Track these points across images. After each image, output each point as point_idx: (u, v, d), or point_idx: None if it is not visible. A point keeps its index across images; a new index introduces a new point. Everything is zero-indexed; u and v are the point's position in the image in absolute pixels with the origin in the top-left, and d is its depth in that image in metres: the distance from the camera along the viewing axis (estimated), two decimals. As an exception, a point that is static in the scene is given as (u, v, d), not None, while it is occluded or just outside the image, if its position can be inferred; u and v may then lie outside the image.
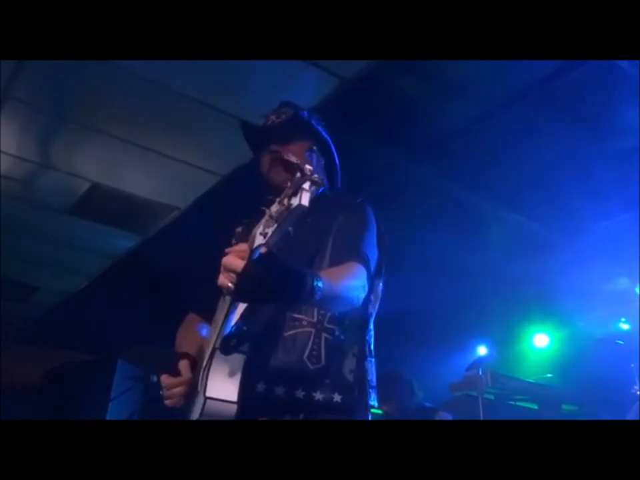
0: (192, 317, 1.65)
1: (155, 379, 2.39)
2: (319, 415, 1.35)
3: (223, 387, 1.24)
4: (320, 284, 1.15)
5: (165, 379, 1.38)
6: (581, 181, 3.62)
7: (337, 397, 1.36)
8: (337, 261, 1.40)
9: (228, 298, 1.27)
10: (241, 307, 1.30)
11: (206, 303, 1.45)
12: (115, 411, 4.70)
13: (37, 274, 5.17)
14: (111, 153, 3.57)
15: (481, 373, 3.68)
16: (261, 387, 1.36)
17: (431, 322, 4.91)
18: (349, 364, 1.41)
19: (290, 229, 1.17)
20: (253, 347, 1.32)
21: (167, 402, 1.37)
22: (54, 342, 6.21)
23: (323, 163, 1.69)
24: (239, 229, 1.45)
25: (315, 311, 1.42)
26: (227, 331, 1.27)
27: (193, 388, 1.31)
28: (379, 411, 3.45)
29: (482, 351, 5.03)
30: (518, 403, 4.32)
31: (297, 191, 1.11)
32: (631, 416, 3.14)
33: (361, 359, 1.45)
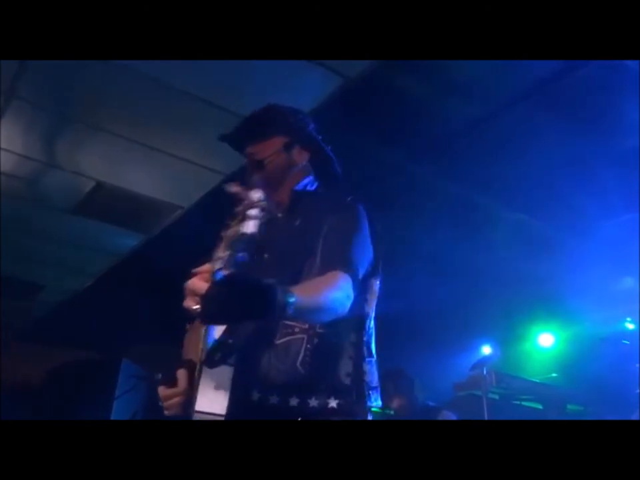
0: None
1: (160, 377, 2.39)
2: (314, 418, 1.35)
3: (212, 400, 1.25)
4: (292, 299, 1.14)
5: (161, 391, 1.37)
6: (585, 181, 3.61)
7: (333, 402, 1.35)
8: (324, 267, 1.37)
9: None
10: None
11: None
12: (119, 409, 4.71)
13: (41, 273, 5.19)
14: (115, 152, 3.58)
15: (485, 372, 3.67)
16: (255, 395, 1.37)
17: (435, 322, 4.91)
18: (345, 367, 1.40)
19: (241, 254, 1.16)
20: (244, 357, 1.33)
21: (165, 412, 1.37)
22: (58, 341, 6.23)
23: (307, 156, 1.60)
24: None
25: None
26: (210, 344, 1.28)
27: (190, 399, 1.30)
28: (390, 411, 3.45)
29: (486, 350, 5.02)
30: (522, 403, 4.30)
31: (243, 218, 1.12)
32: (637, 416, 3.13)
33: (358, 361, 1.43)
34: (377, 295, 1.54)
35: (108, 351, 5.77)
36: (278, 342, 1.39)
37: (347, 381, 1.38)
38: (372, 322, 1.53)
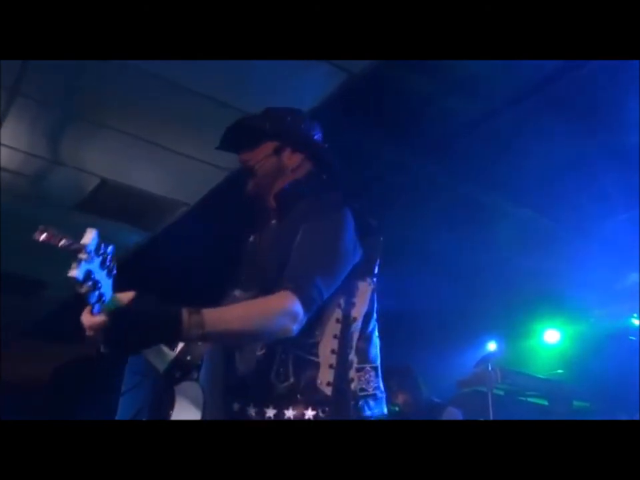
0: None
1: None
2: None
3: (181, 413, 1.31)
4: (194, 319, 1.19)
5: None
6: (589, 178, 3.60)
7: (310, 413, 1.34)
8: (280, 283, 1.34)
9: None
10: None
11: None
12: (125, 406, 4.72)
13: (47, 270, 5.19)
14: (120, 149, 3.58)
15: (490, 368, 3.67)
16: (236, 406, 1.39)
17: (440, 319, 4.90)
18: (325, 377, 1.37)
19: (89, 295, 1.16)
20: (220, 370, 1.38)
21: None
22: (63, 338, 6.25)
23: (298, 158, 1.58)
24: None
25: None
26: (168, 362, 1.36)
27: None
28: (395, 407, 3.44)
29: (491, 347, 5.01)
30: (528, 399, 4.29)
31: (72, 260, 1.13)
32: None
33: (342, 369, 1.39)
34: (368, 297, 1.49)
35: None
36: (256, 354, 1.40)
37: (328, 390, 1.36)
38: (369, 326, 1.48)
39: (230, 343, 1.40)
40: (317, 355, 1.38)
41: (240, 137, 1.58)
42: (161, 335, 1.22)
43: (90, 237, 1.17)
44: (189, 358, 1.37)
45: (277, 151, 1.56)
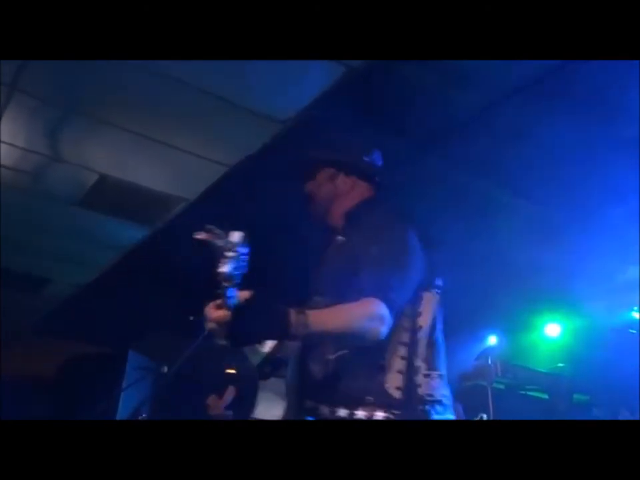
0: None
1: (166, 369, 2.40)
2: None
3: (265, 408, 1.43)
4: (300, 318, 1.31)
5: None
6: (591, 168, 3.59)
7: (380, 415, 1.43)
8: (364, 292, 1.46)
9: None
10: None
11: None
12: (127, 401, 4.74)
13: (47, 266, 5.20)
14: (119, 145, 3.58)
15: (490, 362, 3.67)
16: (308, 404, 1.49)
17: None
18: (394, 381, 1.47)
19: (230, 290, 1.29)
20: (298, 370, 1.51)
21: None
22: (65, 334, 6.26)
23: (352, 181, 1.76)
24: None
25: None
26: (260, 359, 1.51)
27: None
28: None
29: (492, 340, 5.01)
30: (528, 393, 4.30)
31: (219, 260, 1.27)
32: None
33: (410, 375, 1.49)
34: (432, 307, 1.62)
35: (115, 343, 5.79)
36: (329, 357, 1.50)
37: (397, 394, 1.46)
38: (434, 334, 1.60)
39: (328, 342, 1.51)
40: (386, 361, 1.50)
41: (299, 172, 1.81)
42: (271, 332, 1.35)
43: (238, 236, 1.27)
44: (279, 355, 1.49)
45: (332, 177, 1.75)
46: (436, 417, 1.49)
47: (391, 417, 1.43)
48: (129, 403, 4.56)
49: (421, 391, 1.49)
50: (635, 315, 4.41)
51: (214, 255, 1.27)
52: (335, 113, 2.97)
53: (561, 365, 5.30)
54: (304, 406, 1.49)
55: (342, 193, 1.75)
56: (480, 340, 4.93)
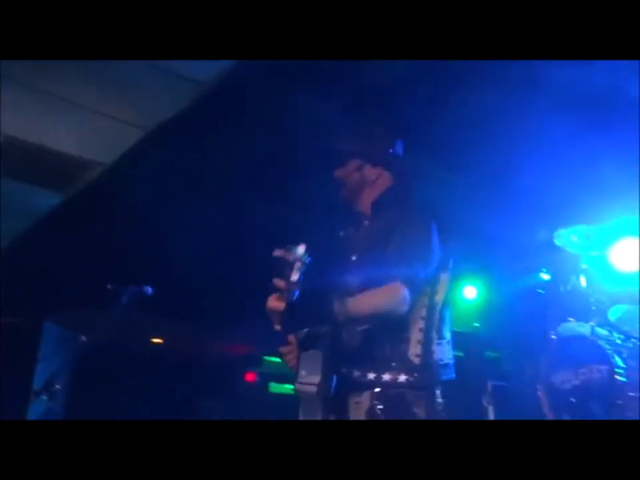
0: None
1: (84, 339, 2.34)
2: (388, 391, 1.74)
3: (307, 374, 1.75)
4: (341, 307, 1.70)
5: (282, 348, 1.95)
6: (509, 134, 3.73)
7: (402, 377, 1.74)
8: (388, 275, 1.77)
9: None
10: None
11: None
12: (42, 372, 4.61)
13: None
14: (31, 105, 3.37)
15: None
16: (343, 370, 1.78)
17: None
18: (414, 350, 1.77)
19: (295, 292, 1.66)
20: (335, 343, 1.78)
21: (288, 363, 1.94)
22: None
23: (379, 171, 1.99)
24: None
25: None
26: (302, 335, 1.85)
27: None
28: None
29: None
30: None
31: (291, 268, 1.65)
32: (547, 359, 3.36)
33: (427, 344, 1.78)
34: (446, 286, 1.88)
35: (30, 314, 5.57)
36: (359, 329, 1.80)
37: (416, 360, 1.76)
38: (445, 308, 1.87)
39: (363, 319, 1.81)
40: (408, 333, 1.79)
41: (331, 160, 2.04)
42: (320, 319, 1.76)
43: (303, 249, 1.65)
44: (316, 332, 1.80)
45: (359, 168, 1.99)
46: (444, 377, 1.79)
47: (411, 379, 1.73)
48: (45, 373, 4.44)
49: (435, 356, 1.79)
50: (544, 276, 4.67)
51: (282, 266, 1.64)
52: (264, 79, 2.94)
53: (476, 325, 5.59)
54: (339, 371, 1.76)
55: (369, 182, 1.98)
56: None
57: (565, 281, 3.71)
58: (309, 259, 1.63)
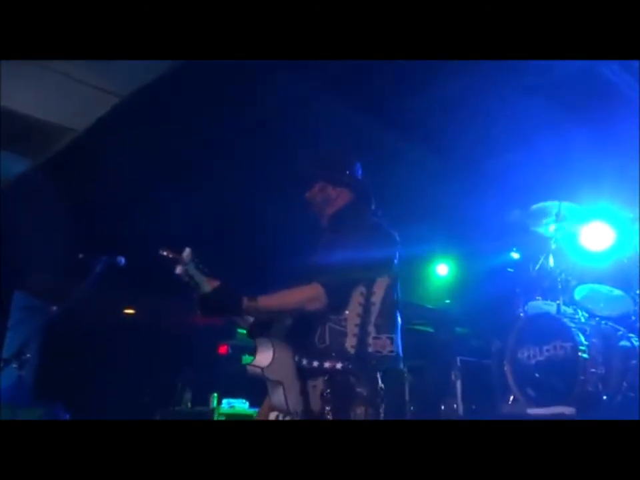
0: None
1: (55, 308, 2.32)
2: (329, 376, 2.02)
3: (258, 357, 2.05)
4: (251, 303, 2.00)
5: None
6: (487, 117, 3.76)
7: (339, 365, 2.01)
8: (315, 277, 2.06)
9: None
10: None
11: None
12: (11, 341, 4.56)
13: None
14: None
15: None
16: (297, 358, 2.09)
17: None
18: (350, 342, 2.03)
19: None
20: (283, 333, 2.11)
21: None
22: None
23: (339, 191, 2.27)
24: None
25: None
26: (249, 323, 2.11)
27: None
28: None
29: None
30: (415, 327, 4.58)
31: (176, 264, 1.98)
32: (513, 337, 3.44)
33: (362, 337, 2.03)
34: (384, 288, 2.10)
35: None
36: (305, 325, 2.09)
37: (352, 351, 2.02)
38: (387, 308, 2.07)
39: (280, 315, 2.14)
40: (345, 327, 2.05)
41: (302, 180, 2.34)
42: (230, 311, 2.07)
43: (187, 252, 1.96)
44: (262, 321, 2.09)
45: (322, 189, 2.27)
46: (381, 366, 2.03)
47: (349, 366, 2.00)
48: (14, 342, 4.39)
49: (371, 349, 2.02)
50: (514, 255, 4.75)
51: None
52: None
53: (447, 301, 5.69)
54: (294, 358, 2.07)
55: (331, 200, 2.26)
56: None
57: (535, 260, 3.79)
58: (197, 257, 1.96)
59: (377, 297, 2.09)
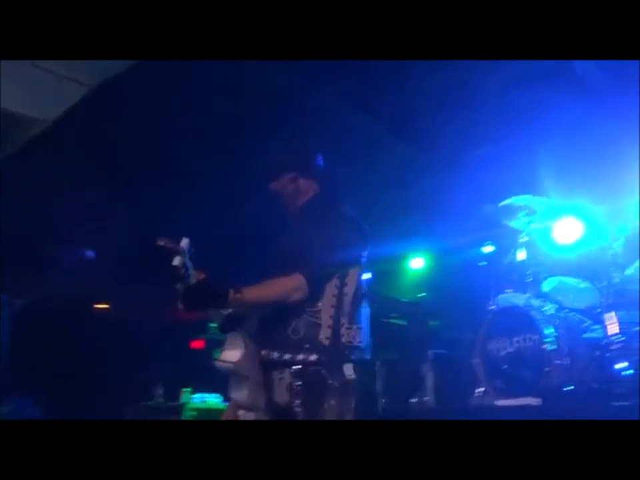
0: None
1: (20, 301, 2.28)
2: (303, 368, 2.00)
3: (228, 352, 2.02)
4: (237, 295, 1.93)
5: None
6: (462, 112, 3.79)
7: (313, 357, 2.01)
8: (296, 266, 2.04)
9: None
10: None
11: None
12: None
13: None
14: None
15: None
16: (265, 351, 2.06)
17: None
18: (324, 333, 2.03)
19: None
20: (251, 327, 2.08)
21: None
22: None
23: (308, 182, 2.27)
24: None
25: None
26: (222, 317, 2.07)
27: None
28: None
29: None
30: (390, 321, 4.61)
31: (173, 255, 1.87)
32: (484, 330, 3.48)
33: (336, 329, 2.04)
34: (356, 279, 2.13)
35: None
36: (277, 317, 2.07)
37: (326, 342, 2.03)
38: (357, 298, 2.11)
39: (261, 308, 2.12)
40: (319, 319, 2.05)
41: (267, 171, 2.34)
42: (216, 304, 1.99)
43: (185, 242, 1.86)
44: (235, 315, 2.05)
45: (292, 180, 2.26)
46: (352, 357, 2.04)
47: (322, 358, 2.00)
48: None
49: (343, 339, 2.04)
50: (487, 248, 4.79)
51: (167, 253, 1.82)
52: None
53: (421, 294, 5.73)
54: (261, 352, 2.05)
55: (301, 191, 2.27)
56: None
57: (507, 253, 3.83)
58: (191, 248, 1.88)
59: (349, 288, 2.11)
